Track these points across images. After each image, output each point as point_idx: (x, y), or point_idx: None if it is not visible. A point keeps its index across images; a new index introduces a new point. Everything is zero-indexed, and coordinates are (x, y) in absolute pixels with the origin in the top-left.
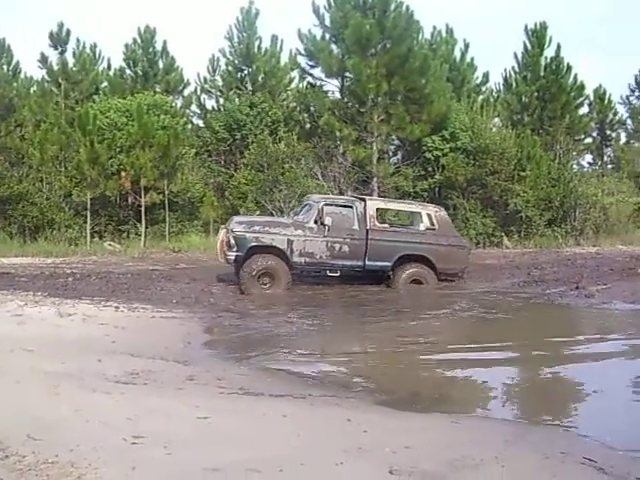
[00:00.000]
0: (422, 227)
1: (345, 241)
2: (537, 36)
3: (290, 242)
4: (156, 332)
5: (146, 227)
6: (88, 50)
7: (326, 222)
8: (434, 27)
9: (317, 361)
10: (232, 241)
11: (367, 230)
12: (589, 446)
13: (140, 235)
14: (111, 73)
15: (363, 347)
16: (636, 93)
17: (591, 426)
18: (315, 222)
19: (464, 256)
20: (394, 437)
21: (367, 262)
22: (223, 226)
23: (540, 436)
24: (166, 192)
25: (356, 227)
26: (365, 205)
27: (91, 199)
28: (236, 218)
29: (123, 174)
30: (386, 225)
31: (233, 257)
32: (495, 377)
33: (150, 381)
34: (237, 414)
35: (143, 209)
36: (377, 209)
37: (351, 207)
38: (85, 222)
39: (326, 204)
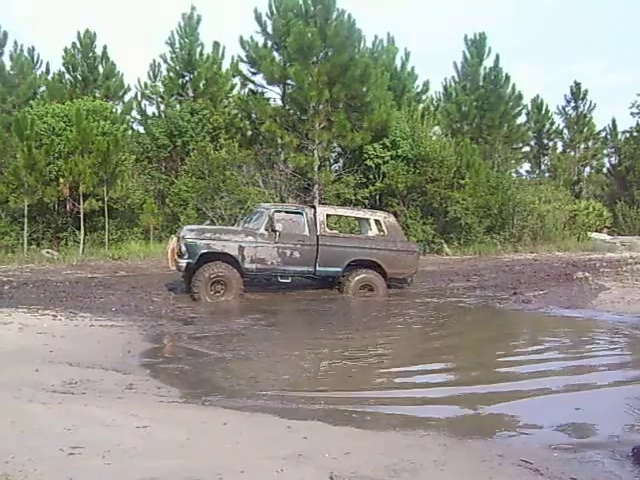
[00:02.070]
0: (372, 233)
1: (296, 247)
2: (476, 46)
3: (241, 248)
4: (95, 341)
5: (85, 234)
6: (26, 53)
7: (277, 228)
8: (375, 36)
9: (257, 368)
10: (183, 248)
11: (317, 236)
12: (525, 448)
13: (79, 242)
14: (50, 77)
15: (302, 353)
16: (572, 104)
17: (528, 428)
18: (266, 229)
19: (413, 261)
20: (334, 443)
21: (318, 268)
22: (174, 234)
23: (478, 439)
24: (105, 199)
25: (306, 233)
26: (315, 211)
27: (29, 206)
28: (187, 226)
29: (61, 180)
30: (336, 231)
31: (184, 265)
32: (435, 385)
33: (89, 390)
34: (177, 423)
35: (82, 216)
36: (327, 215)
37: (301, 214)
38: (22, 229)
39: (276, 211)
